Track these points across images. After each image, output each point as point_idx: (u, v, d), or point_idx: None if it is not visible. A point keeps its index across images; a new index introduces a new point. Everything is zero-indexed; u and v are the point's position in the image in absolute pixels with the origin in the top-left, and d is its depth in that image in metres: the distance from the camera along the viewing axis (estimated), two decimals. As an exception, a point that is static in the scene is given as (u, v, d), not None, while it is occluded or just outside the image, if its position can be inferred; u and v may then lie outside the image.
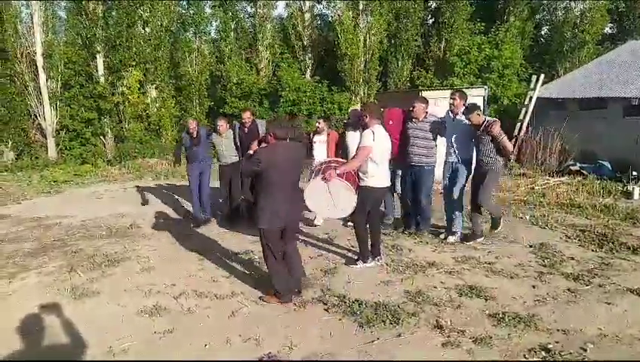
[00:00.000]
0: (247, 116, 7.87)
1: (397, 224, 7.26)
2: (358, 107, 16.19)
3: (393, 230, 7.08)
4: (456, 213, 6.59)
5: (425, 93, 10.52)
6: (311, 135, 7.85)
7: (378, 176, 5.42)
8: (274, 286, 4.72)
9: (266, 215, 4.56)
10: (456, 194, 6.50)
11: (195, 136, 7.87)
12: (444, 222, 6.88)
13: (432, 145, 6.60)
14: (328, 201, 5.27)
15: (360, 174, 5.43)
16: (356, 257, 5.85)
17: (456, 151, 6.42)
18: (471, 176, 6.48)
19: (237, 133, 7.88)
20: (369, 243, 5.69)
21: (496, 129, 5.92)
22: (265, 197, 4.60)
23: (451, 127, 6.45)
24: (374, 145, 5.27)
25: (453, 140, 6.45)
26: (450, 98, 6.47)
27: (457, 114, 6.38)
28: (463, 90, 7.08)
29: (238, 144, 7.84)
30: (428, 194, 6.73)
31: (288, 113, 18.86)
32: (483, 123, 6.09)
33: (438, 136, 6.59)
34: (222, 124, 7.89)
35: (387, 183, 5.65)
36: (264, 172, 4.50)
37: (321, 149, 7.53)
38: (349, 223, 6.79)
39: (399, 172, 6.97)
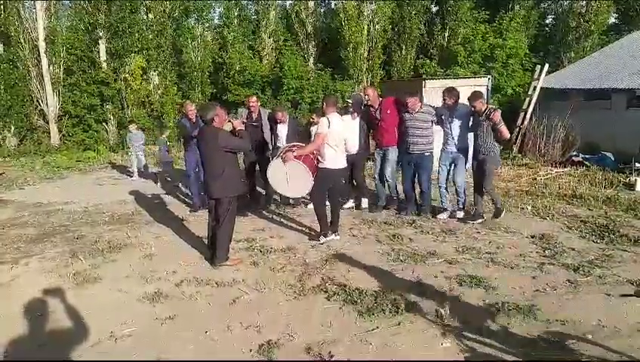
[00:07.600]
0: (253, 101, 7.74)
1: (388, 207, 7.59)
2: (359, 92, 16.03)
3: (383, 210, 7.52)
4: (447, 194, 7.18)
5: (429, 82, 10.49)
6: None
7: (335, 159, 5.99)
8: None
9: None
10: (459, 180, 6.97)
11: (194, 121, 7.76)
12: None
13: (430, 133, 7.01)
14: (285, 180, 6.04)
15: (319, 157, 6.02)
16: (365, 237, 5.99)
17: (455, 141, 6.86)
18: (470, 163, 6.97)
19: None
20: (328, 219, 6.20)
21: (497, 116, 6.36)
22: None
23: (449, 119, 6.87)
24: (330, 132, 5.80)
25: (452, 130, 6.88)
26: (443, 98, 6.86)
27: (452, 108, 6.80)
28: (451, 86, 7.17)
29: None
30: (428, 178, 7.11)
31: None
32: (485, 110, 6.52)
33: (433, 125, 6.98)
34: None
35: (344, 165, 6.20)
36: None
37: None
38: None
39: (389, 158, 7.29)
